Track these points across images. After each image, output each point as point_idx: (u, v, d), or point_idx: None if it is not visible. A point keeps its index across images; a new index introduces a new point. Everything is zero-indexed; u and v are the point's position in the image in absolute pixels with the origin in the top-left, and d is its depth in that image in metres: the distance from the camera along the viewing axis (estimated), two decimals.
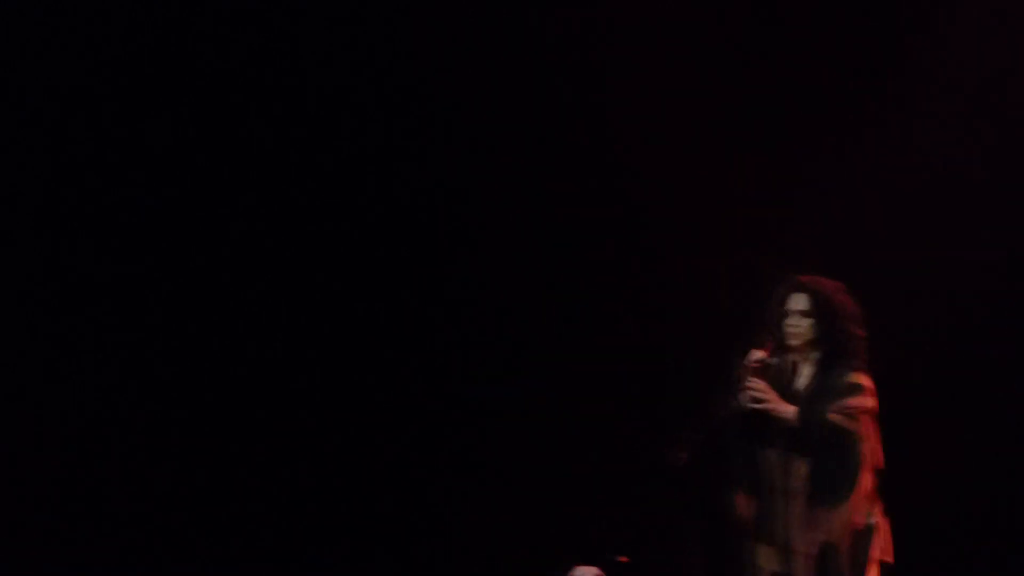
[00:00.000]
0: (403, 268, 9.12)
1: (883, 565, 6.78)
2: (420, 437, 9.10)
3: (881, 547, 6.78)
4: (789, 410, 6.74)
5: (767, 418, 6.77)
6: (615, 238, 8.96)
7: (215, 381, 9.06)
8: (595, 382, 8.88)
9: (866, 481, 6.73)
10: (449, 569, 8.99)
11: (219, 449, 9.00)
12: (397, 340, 9.14)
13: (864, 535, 6.74)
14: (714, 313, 8.56)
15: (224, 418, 9.04)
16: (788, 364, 6.89)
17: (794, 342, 6.84)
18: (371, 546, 9.06)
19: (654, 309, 8.89)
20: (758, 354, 6.82)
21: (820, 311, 6.81)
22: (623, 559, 8.11)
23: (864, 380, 6.78)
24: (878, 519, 6.79)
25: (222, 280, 9.09)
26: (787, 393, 6.81)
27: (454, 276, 9.10)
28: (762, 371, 6.81)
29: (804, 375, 6.87)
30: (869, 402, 6.76)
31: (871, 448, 6.75)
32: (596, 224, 8.97)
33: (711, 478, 6.95)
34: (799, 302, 6.83)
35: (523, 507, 8.91)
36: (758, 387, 6.75)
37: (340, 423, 9.07)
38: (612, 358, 8.90)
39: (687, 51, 8.76)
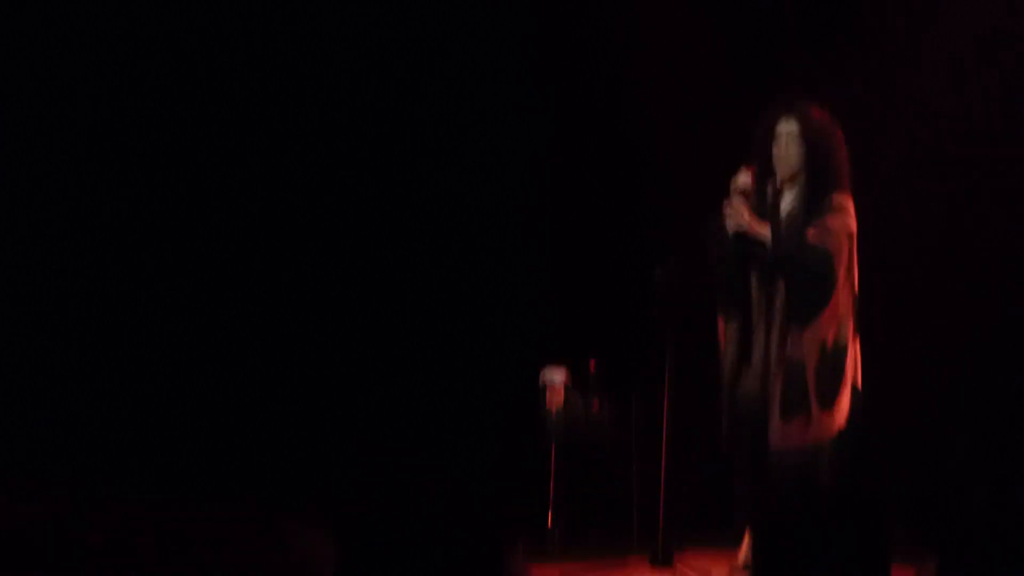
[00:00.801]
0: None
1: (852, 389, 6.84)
2: None
3: (854, 369, 6.81)
4: (764, 228, 6.71)
5: (750, 243, 6.81)
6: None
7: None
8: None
9: (839, 300, 6.71)
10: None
11: None
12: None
13: (834, 354, 6.75)
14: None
15: None
16: (774, 188, 6.90)
17: (782, 165, 6.78)
18: None
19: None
20: (743, 177, 6.78)
21: (809, 135, 6.76)
22: (593, 362, 8.28)
23: (845, 201, 6.72)
24: (849, 341, 6.79)
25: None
26: (774, 218, 6.76)
27: None
28: (748, 195, 6.83)
29: (788, 199, 6.84)
30: (848, 222, 6.70)
31: (846, 268, 6.73)
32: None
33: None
34: (788, 125, 6.79)
35: (499, 311, 9.02)
36: (736, 209, 6.77)
37: None
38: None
39: None
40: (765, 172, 6.83)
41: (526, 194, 8.97)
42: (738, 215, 6.72)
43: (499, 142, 9.04)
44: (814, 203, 6.75)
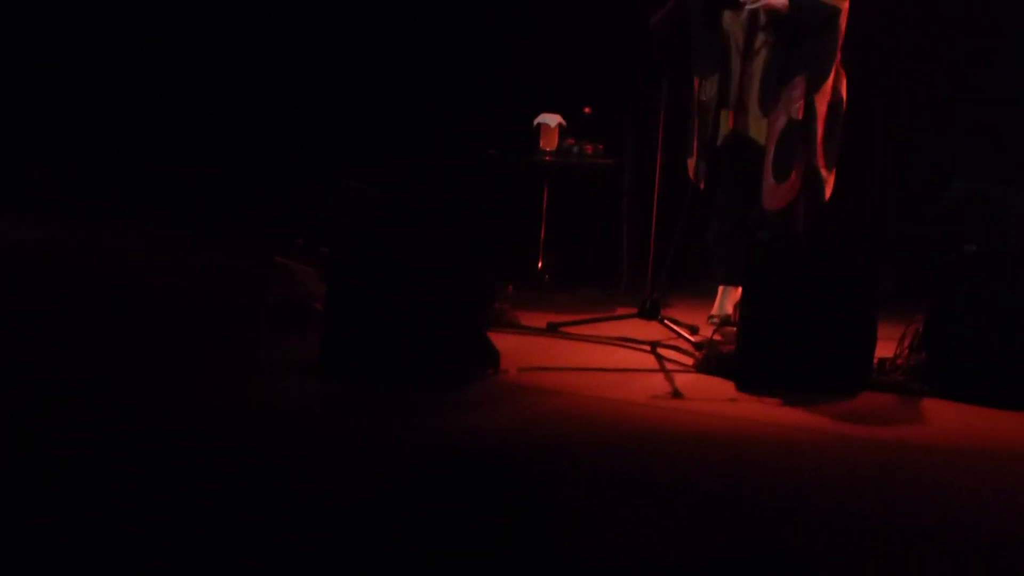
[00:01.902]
0: None
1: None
2: None
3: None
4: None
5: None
6: None
7: None
8: None
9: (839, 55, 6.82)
10: None
11: None
12: None
13: (837, 110, 6.87)
14: None
15: None
16: None
17: None
18: None
19: None
20: None
21: None
22: (587, 110, 8.27)
23: None
24: (844, 94, 6.90)
25: None
26: None
27: None
28: None
29: None
30: None
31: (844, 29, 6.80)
32: None
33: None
34: None
35: (497, 53, 8.95)
36: None
37: None
38: None
39: None
40: None
41: None
42: None
43: None
44: None
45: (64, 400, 5.41)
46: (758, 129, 6.90)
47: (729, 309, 7.09)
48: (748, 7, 6.81)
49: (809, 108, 6.77)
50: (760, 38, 6.84)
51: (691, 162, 7.08)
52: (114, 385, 5.71)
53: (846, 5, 6.77)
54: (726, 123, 6.96)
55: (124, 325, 6.74)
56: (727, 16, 6.89)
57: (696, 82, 7.02)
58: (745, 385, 6.17)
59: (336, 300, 6.14)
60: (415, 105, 9.04)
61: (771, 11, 6.76)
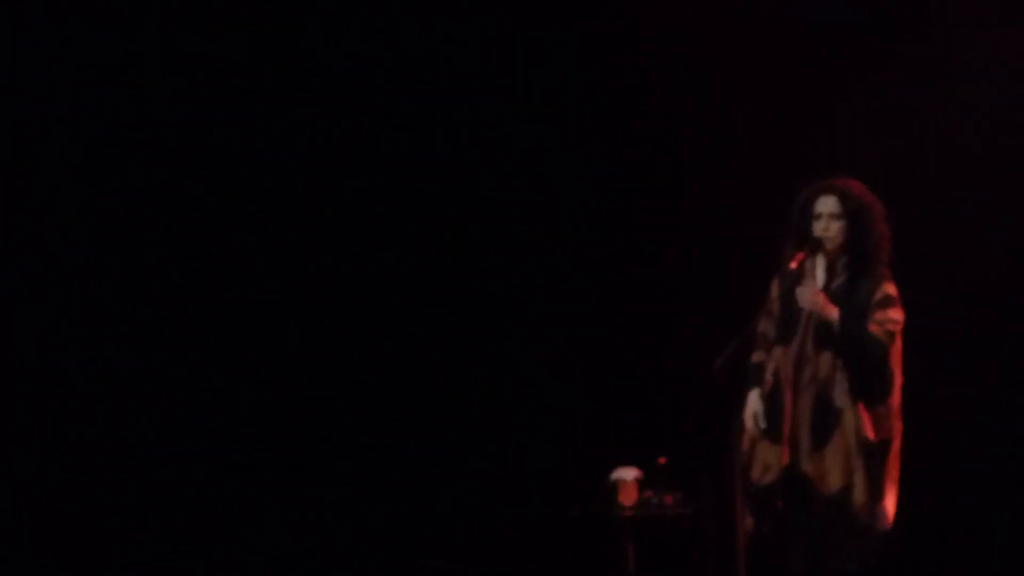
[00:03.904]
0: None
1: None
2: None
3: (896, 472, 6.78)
4: (834, 312, 6.69)
5: (791, 316, 6.80)
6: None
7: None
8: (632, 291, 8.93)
9: (896, 396, 6.74)
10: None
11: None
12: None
13: (884, 448, 6.74)
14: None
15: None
16: (810, 267, 6.85)
17: (828, 246, 6.75)
18: None
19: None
20: (796, 260, 6.72)
21: (851, 213, 6.74)
22: (662, 460, 8.22)
23: (893, 290, 6.74)
24: (897, 437, 6.78)
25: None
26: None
27: None
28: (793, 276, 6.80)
29: (830, 277, 6.80)
30: (901, 315, 6.71)
31: (898, 362, 6.74)
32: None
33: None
34: (828, 204, 6.76)
35: (566, 412, 8.99)
36: (808, 288, 6.70)
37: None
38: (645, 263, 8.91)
39: None
40: (807, 251, 6.81)
41: (593, 306, 8.99)
42: (810, 294, 6.71)
43: (558, 257, 9.08)
44: (863, 287, 6.75)
45: None
46: (811, 464, 6.78)
47: None
48: (802, 304, 6.77)
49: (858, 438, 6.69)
50: (808, 372, 6.80)
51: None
52: None
53: (898, 343, 6.75)
54: (776, 458, 6.83)
55: None
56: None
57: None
58: None
59: None
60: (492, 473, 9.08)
61: (825, 321, 6.75)
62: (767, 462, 6.80)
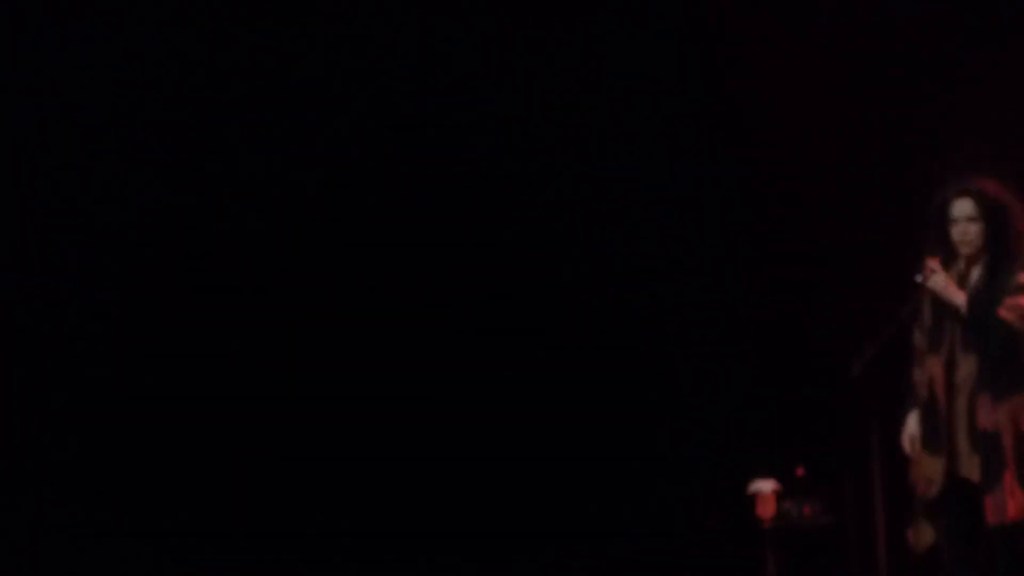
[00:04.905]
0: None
1: None
2: None
3: None
4: (960, 296, 6.61)
5: (939, 323, 6.76)
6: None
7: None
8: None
9: None
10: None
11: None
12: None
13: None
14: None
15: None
16: (955, 271, 6.78)
17: (965, 250, 6.67)
18: None
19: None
20: (932, 265, 6.63)
21: (988, 215, 6.65)
22: (800, 471, 8.21)
23: None
24: None
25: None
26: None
27: None
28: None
29: (971, 278, 6.69)
30: None
31: None
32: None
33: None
34: (964, 208, 6.69)
35: (707, 421, 8.98)
36: (938, 275, 6.64)
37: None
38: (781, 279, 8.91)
39: None
40: (946, 255, 6.77)
41: (731, 316, 8.99)
42: (941, 279, 6.65)
43: (697, 266, 9.09)
44: (1000, 280, 6.64)
45: None
46: (969, 467, 6.72)
47: None
48: (928, 284, 6.70)
49: (999, 424, 6.61)
50: (958, 376, 6.75)
51: (911, 532, 6.87)
52: None
53: None
54: (939, 469, 6.73)
55: None
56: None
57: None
58: None
59: None
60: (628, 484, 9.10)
61: (953, 307, 6.70)
62: (930, 475, 6.73)
